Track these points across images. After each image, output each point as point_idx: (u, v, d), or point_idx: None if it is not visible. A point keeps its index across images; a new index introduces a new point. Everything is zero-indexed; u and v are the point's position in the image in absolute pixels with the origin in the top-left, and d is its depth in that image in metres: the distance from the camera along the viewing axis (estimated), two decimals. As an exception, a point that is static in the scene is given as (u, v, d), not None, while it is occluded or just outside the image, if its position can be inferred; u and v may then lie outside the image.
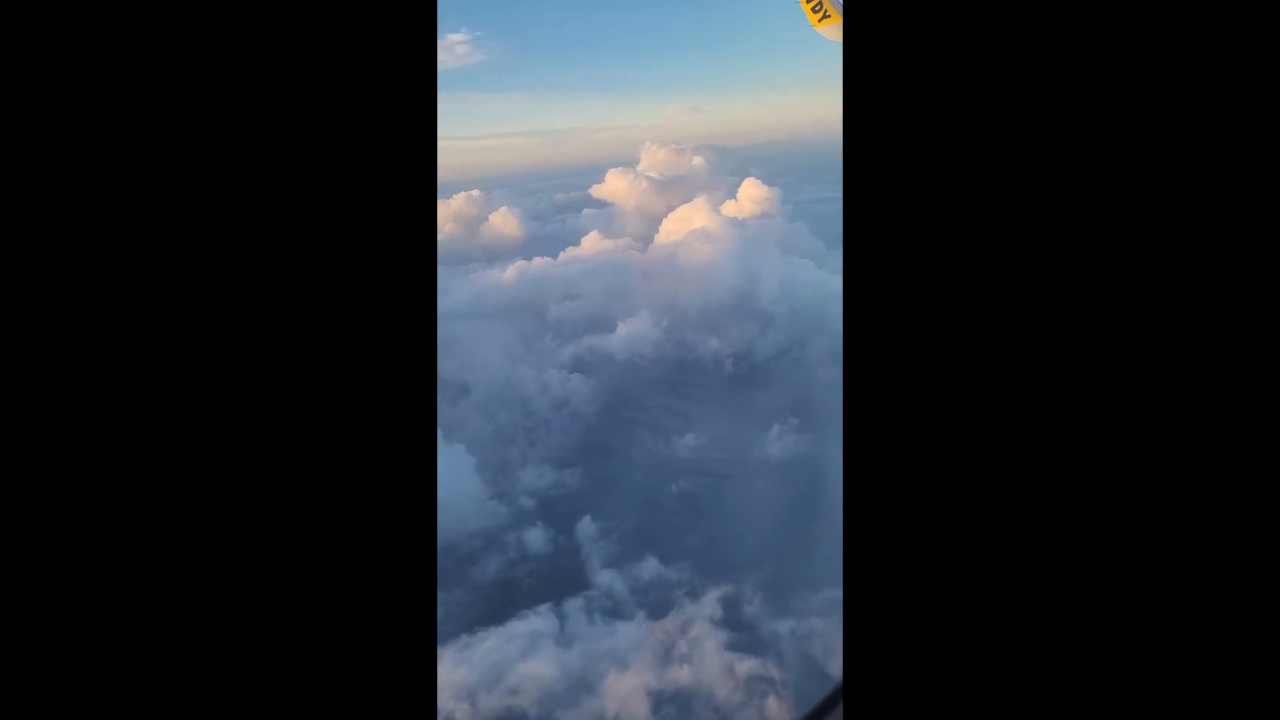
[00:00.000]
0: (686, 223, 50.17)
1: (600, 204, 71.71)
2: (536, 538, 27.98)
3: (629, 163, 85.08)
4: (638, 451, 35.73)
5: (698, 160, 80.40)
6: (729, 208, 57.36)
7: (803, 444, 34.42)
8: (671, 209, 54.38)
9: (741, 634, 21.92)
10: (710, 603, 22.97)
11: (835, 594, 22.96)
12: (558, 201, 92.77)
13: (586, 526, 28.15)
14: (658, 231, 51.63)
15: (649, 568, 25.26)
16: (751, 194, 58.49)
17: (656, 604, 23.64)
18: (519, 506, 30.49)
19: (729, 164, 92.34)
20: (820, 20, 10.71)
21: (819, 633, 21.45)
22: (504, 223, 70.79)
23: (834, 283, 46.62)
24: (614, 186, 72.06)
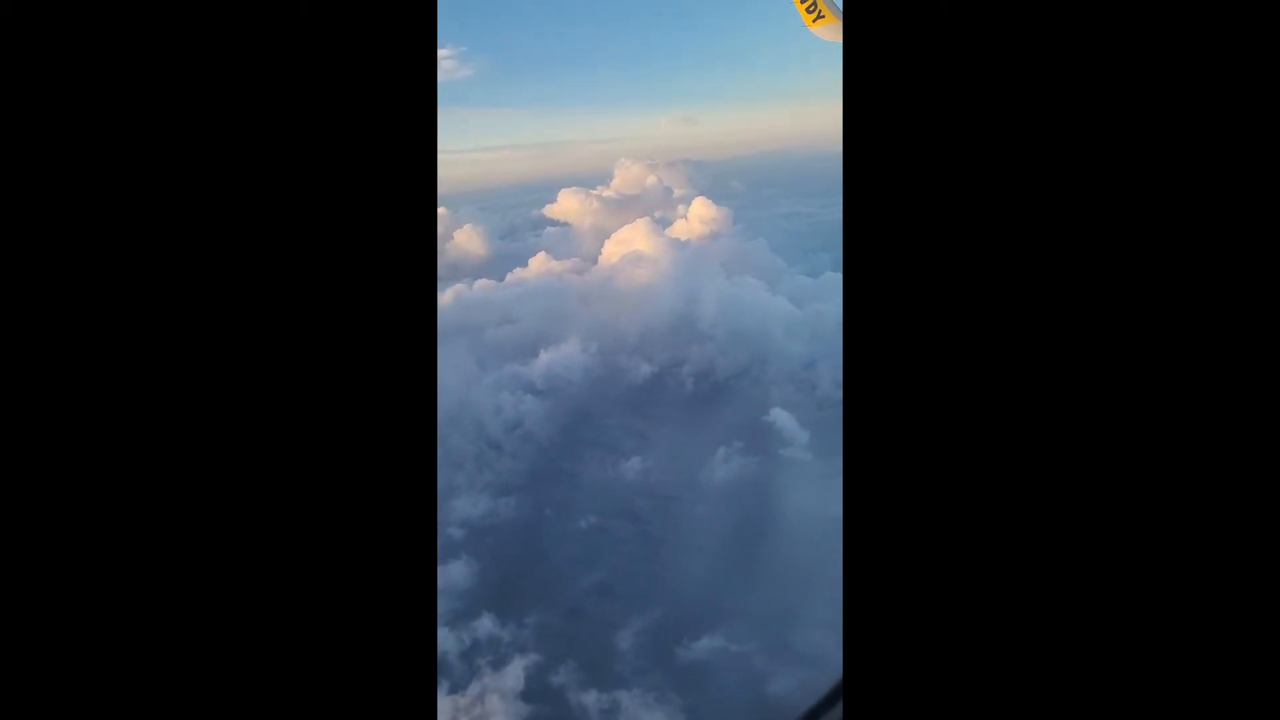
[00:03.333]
0: (627, 245, 49.82)
1: (560, 223, 71.47)
2: (459, 571, 27.42)
3: (608, 178, 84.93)
4: (584, 477, 35.32)
5: (654, 178, 79.80)
6: (680, 228, 57.07)
7: (750, 467, 34.13)
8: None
9: (542, 707, 20.94)
10: (514, 673, 21.83)
11: (714, 642, 22.45)
12: (533, 217, 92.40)
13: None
14: (600, 254, 51.31)
15: (482, 627, 24.03)
16: (700, 214, 58.04)
17: (464, 673, 22.35)
18: (447, 537, 29.94)
19: (703, 179, 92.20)
20: (815, 21, 10.46)
21: (624, 706, 20.66)
22: (468, 241, 70.42)
23: (778, 305, 46.19)
24: (566, 206, 71.78)
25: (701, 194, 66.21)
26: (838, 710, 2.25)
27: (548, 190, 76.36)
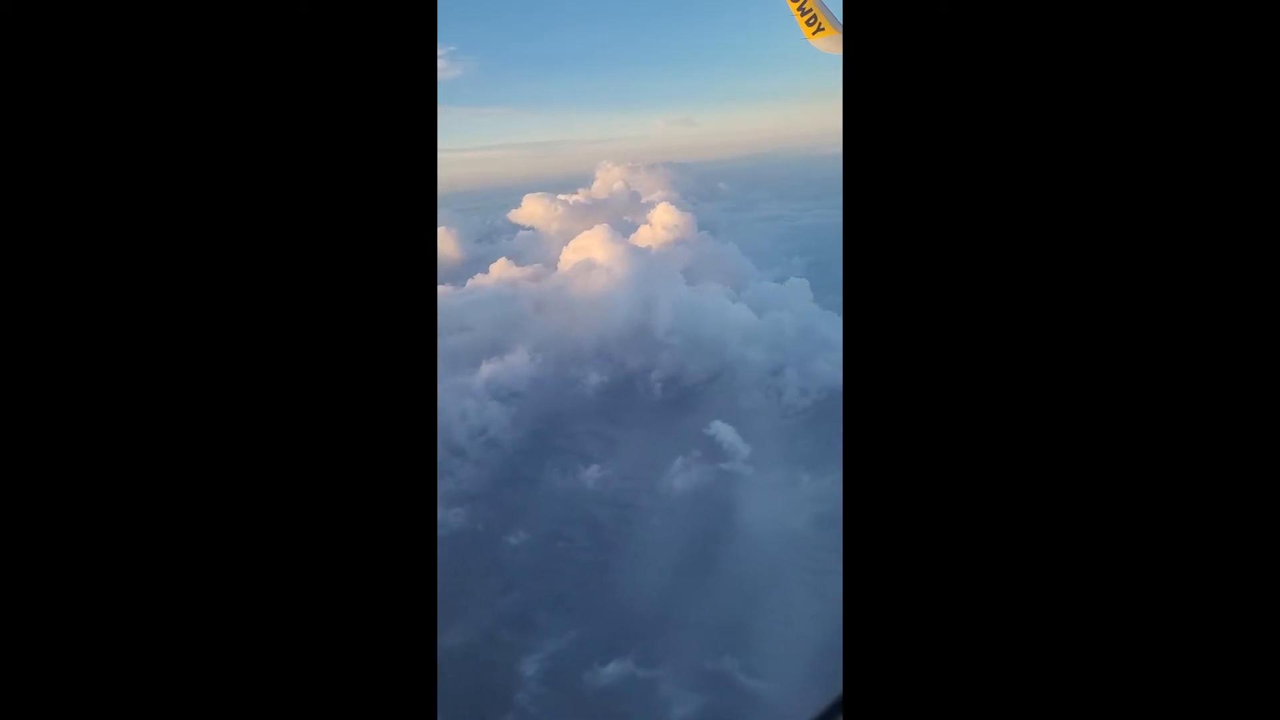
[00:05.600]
0: (584, 252, 49.32)
1: (529, 228, 70.85)
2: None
3: (589, 180, 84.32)
4: (543, 486, 34.93)
5: (622, 183, 79.05)
6: (644, 233, 56.51)
7: (707, 475, 33.71)
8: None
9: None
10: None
11: (624, 667, 22.03)
12: (510, 220, 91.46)
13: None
14: (559, 260, 50.73)
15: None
16: (663, 220, 57.51)
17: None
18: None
19: (686, 181, 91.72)
20: (814, 33, 10.55)
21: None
22: (441, 244, 69.83)
23: (736, 312, 45.71)
24: (531, 211, 71.19)
25: (671, 199, 65.80)
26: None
27: (530, 192, 75.71)
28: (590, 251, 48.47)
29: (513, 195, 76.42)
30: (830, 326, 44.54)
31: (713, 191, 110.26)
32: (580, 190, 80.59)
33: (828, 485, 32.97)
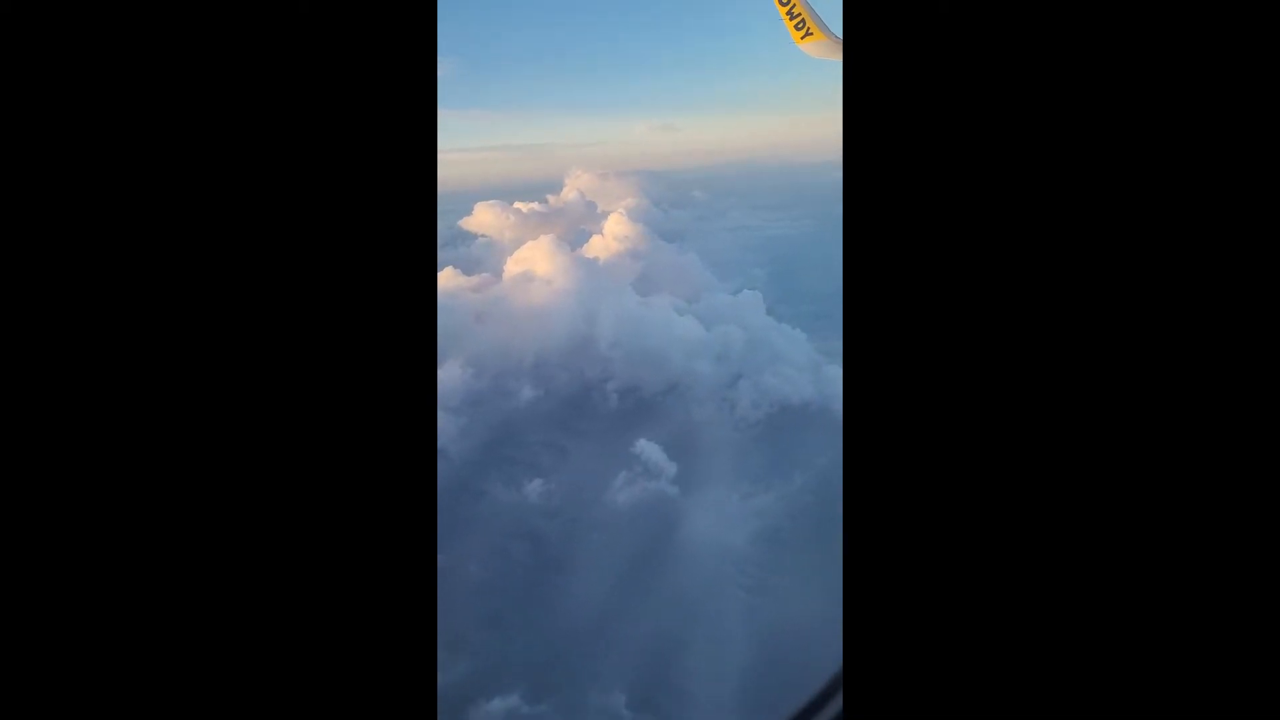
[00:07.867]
0: (527, 263, 48.66)
1: (484, 236, 70.03)
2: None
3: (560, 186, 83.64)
4: (488, 500, 34.22)
5: (575, 192, 78.26)
6: (595, 244, 55.86)
7: (650, 491, 33.12)
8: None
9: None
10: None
11: (509, 702, 21.30)
12: (462, 227, 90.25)
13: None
14: (503, 272, 49.97)
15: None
16: (615, 230, 56.77)
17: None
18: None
19: (657, 189, 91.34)
20: (803, 38, 10.28)
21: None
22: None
23: (683, 326, 45.10)
24: (481, 220, 70.37)
25: (638, 207, 65.24)
26: (833, 706, 2.18)
27: (497, 196, 74.96)
28: (533, 262, 47.78)
29: (483, 200, 75.63)
30: (783, 339, 44.03)
31: (686, 199, 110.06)
32: (549, 196, 79.94)
33: (773, 500, 32.46)
